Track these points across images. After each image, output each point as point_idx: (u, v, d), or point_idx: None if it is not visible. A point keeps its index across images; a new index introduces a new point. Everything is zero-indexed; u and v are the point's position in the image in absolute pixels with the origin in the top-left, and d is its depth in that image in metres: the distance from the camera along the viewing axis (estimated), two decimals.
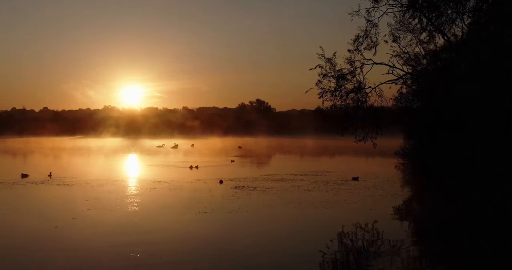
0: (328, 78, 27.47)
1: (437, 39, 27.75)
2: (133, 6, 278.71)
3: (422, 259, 12.39)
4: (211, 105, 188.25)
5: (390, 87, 28.69)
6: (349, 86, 27.58)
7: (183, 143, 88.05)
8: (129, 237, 13.81)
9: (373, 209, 18.76)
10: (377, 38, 27.07)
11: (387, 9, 26.70)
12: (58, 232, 14.53)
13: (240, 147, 75.89)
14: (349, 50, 27.37)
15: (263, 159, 53.18)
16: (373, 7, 26.43)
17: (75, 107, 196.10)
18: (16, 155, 60.19)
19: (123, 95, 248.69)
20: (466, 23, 25.60)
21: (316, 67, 27.51)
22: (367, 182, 27.48)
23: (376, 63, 27.74)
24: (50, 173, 30.09)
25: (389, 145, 32.84)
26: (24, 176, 29.38)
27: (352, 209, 18.82)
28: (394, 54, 28.74)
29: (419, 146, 30.67)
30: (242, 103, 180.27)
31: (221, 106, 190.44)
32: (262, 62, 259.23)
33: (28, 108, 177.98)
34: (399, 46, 28.70)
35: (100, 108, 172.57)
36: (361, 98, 27.66)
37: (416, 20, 26.66)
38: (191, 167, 36.62)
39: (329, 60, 27.31)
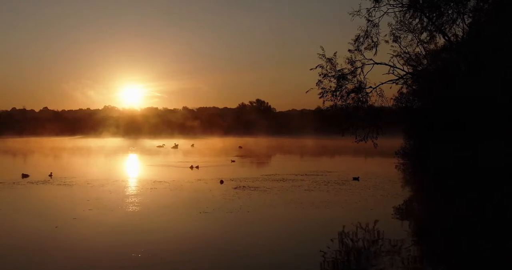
0: (328, 78, 27.45)
1: (437, 39, 27.75)
2: (133, 6, 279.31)
3: (422, 259, 12.40)
4: (211, 105, 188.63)
5: (390, 87, 28.66)
6: (350, 86, 27.56)
7: (183, 143, 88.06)
8: (130, 237, 13.82)
9: (373, 209, 18.77)
10: (377, 38, 27.05)
11: (388, 9, 26.68)
12: (58, 232, 14.54)
13: (240, 147, 75.89)
14: (349, 50, 27.35)
15: (263, 159, 53.19)
16: (374, 7, 26.40)
17: (75, 107, 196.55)
18: (16, 155, 60.19)
19: (123, 95, 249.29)
20: (466, 23, 25.63)
21: (316, 67, 27.49)
22: (368, 182, 27.49)
23: (377, 63, 27.71)
24: (51, 173, 30.10)
25: (389, 145, 32.85)
26: (24, 176, 29.39)
27: (353, 209, 18.82)
28: (394, 54, 28.71)
29: (420, 145, 30.67)
30: (242, 103, 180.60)
31: (221, 106, 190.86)
32: (262, 62, 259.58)
33: (28, 108, 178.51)
34: (400, 46, 28.68)
35: (100, 108, 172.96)
36: (361, 98, 27.63)
37: (417, 20, 26.66)
38: (191, 167, 36.63)
39: (329, 60, 27.28)
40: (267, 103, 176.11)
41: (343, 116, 28.04)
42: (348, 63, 27.39)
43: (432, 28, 26.55)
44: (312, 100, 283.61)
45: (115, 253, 12.12)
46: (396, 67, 28.20)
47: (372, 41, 26.98)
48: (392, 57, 28.65)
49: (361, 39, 27.02)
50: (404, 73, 28.77)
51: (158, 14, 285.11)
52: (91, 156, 56.91)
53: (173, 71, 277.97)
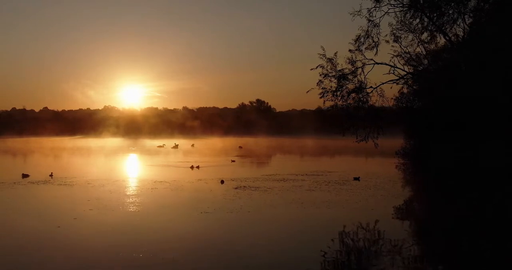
0: (329, 78, 27.42)
1: (438, 39, 27.69)
2: (133, 6, 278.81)
3: (423, 259, 12.39)
4: (211, 105, 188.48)
5: (391, 87, 28.62)
6: (350, 86, 27.53)
7: (183, 143, 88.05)
8: (130, 237, 13.81)
9: (374, 209, 18.77)
10: (378, 38, 27.01)
11: (389, 9, 26.64)
12: (59, 232, 14.54)
13: (240, 147, 75.88)
14: (350, 50, 27.32)
15: (263, 159, 53.19)
16: (374, 7, 26.37)
17: (75, 107, 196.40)
18: (16, 155, 60.20)
19: (123, 95, 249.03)
20: (467, 23, 25.59)
21: (317, 67, 27.47)
22: (368, 182, 27.49)
23: (377, 63, 27.68)
24: (51, 173, 30.10)
25: (389, 145, 32.82)
26: (25, 176, 29.39)
27: (354, 209, 18.82)
28: (395, 54, 28.66)
29: (420, 145, 30.65)
30: (242, 103, 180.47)
31: (221, 106, 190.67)
32: (262, 62, 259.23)
33: (28, 108, 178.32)
34: (400, 46, 28.63)
35: (100, 108, 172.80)
36: (362, 98, 27.61)
37: (418, 20, 26.62)
38: (192, 167, 36.63)
39: (330, 60, 27.26)
40: (267, 103, 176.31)
41: (344, 116, 28.02)
42: (349, 63, 27.38)
43: (432, 28, 26.54)
44: (312, 100, 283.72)
45: (115, 253, 12.11)
46: (397, 67, 28.18)
47: (373, 41, 26.97)
48: (392, 57, 28.63)
49: (362, 39, 27.01)
50: (405, 73, 28.75)
51: (158, 14, 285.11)
52: (91, 156, 56.91)
53: (173, 71, 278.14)
